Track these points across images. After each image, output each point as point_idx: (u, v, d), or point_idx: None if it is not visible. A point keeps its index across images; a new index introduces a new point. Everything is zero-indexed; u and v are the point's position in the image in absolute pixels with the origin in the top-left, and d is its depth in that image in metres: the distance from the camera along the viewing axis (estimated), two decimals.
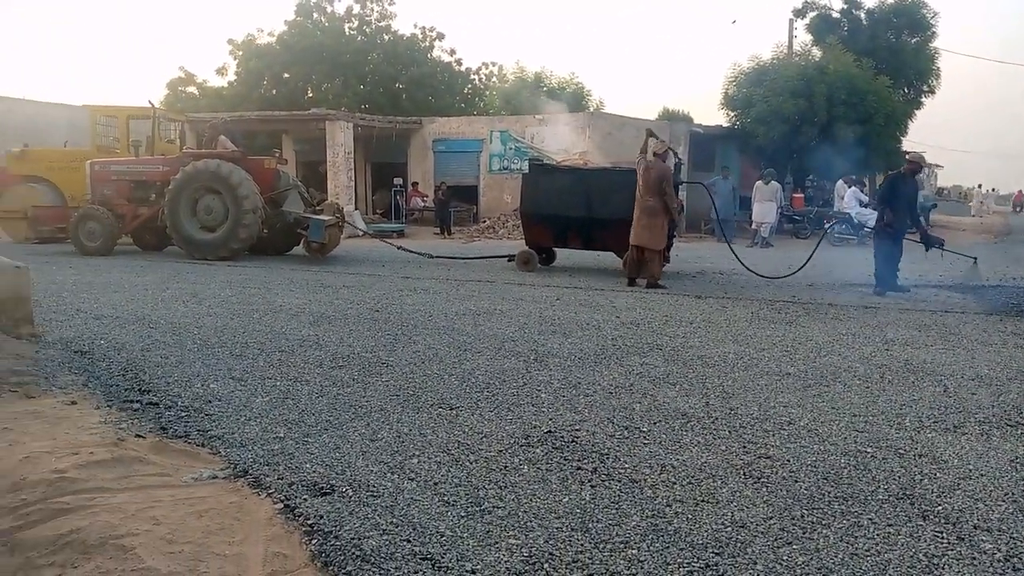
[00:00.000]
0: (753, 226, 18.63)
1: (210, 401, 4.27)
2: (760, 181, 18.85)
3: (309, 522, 2.77)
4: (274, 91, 29.60)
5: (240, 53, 30.23)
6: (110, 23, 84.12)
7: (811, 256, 10.81)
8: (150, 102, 15.97)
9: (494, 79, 34.69)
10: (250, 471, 3.23)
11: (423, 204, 23.64)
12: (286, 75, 29.72)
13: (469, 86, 33.88)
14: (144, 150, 14.57)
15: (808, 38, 26.27)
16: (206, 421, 3.92)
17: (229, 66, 30.79)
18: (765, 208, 18.39)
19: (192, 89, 31.06)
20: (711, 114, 77.11)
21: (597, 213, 10.95)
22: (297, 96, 29.34)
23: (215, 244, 12.33)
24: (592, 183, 11.44)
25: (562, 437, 3.81)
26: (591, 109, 29.77)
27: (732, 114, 23.22)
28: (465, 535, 2.74)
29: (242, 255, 12.52)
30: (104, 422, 3.84)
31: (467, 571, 2.49)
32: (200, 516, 2.75)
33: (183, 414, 4.03)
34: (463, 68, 33.26)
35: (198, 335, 6.06)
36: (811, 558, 2.65)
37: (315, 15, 30.43)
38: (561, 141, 21.37)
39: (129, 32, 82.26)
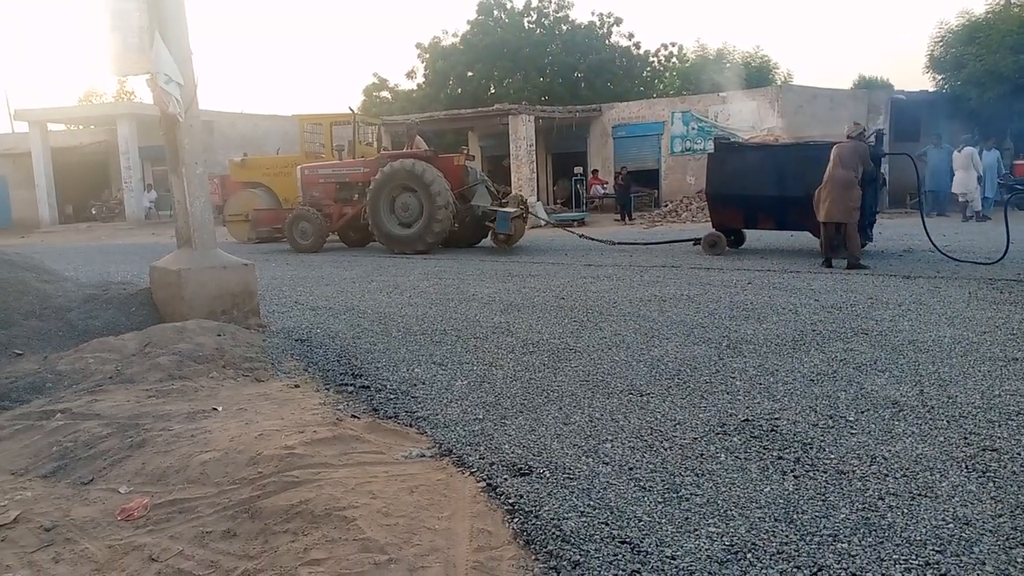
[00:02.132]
0: (960, 199, 16.81)
1: (415, 384, 4.56)
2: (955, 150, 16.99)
3: (510, 501, 2.88)
4: (459, 90, 30.73)
5: (427, 56, 31.69)
6: (311, 37, 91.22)
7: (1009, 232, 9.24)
8: (350, 108, 17.15)
9: (673, 60, 33.87)
10: (454, 450, 3.42)
11: (603, 191, 23.60)
12: (470, 73, 30.76)
13: (648, 69, 33.33)
14: (346, 154, 15.72)
15: None
16: (412, 403, 4.19)
17: (417, 69, 32.39)
18: (962, 178, 16.46)
19: (385, 93, 33.01)
20: (914, 79, 70.38)
21: (791, 191, 10.38)
22: (481, 93, 30.27)
23: (412, 239, 13.06)
24: (785, 159, 10.87)
25: (760, 426, 3.68)
26: (779, 83, 28.24)
27: (939, 77, 21.17)
28: (663, 521, 2.73)
29: (436, 248, 13.17)
30: (323, 403, 4.21)
31: (667, 556, 2.49)
32: (412, 492, 2.94)
33: (392, 396, 4.33)
34: (641, 51, 32.76)
35: (401, 323, 6.47)
36: None
37: (495, 12, 31.19)
38: (747, 118, 20.50)
39: (328, 44, 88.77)
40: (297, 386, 4.63)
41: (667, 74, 33.90)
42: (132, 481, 3.26)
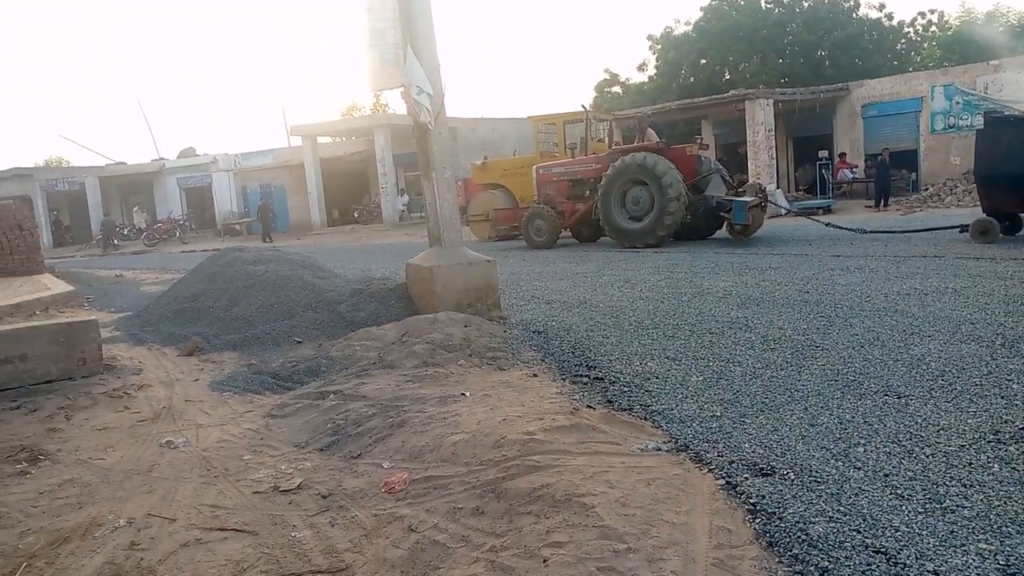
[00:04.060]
0: None
1: (649, 378, 4.56)
2: None
3: (751, 501, 2.80)
4: (692, 79, 30.09)
5: (658, 47, 31.34)
6: (545, 38, 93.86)
7: None
8: (583, 106, 17.45)
9: (932, 28, 30.50)
10: (691, 446, 3.38)
11: (852, 176, 21.86)
12: (703, 61, 30.00)
13: (903, 41, 30.34)
14: (579, 151, 16.03)
15: None
16: (647, 397, 4.20)
17: (649, 61, 32.17)
18: None
19: (616, 89, 33.15)
20: None
21: None
22: (715, 80, 29.40)
23: (643, 232, 13.03)
24: None
25: None
26: None
27: None
28: (924, 533, 2.51)
29: (667, 241, 13.01)
30: (560, 393, 4.36)
31: (928, 571, 2.28)
32: (648, 484, 2.96)
33: (626, 389, 4.37)
34: (894, 23, 29.86)
35: (633, 317, 6.49)
36: None
37: None
38: None
39: (562, 43, 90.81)
40: (536, 375, 4.83)
41: (925, 45, 30.64)
42: (393, 457, 3.60)
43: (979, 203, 10.87)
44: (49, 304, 9.85)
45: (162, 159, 39.44)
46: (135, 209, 37.05)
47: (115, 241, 32.80)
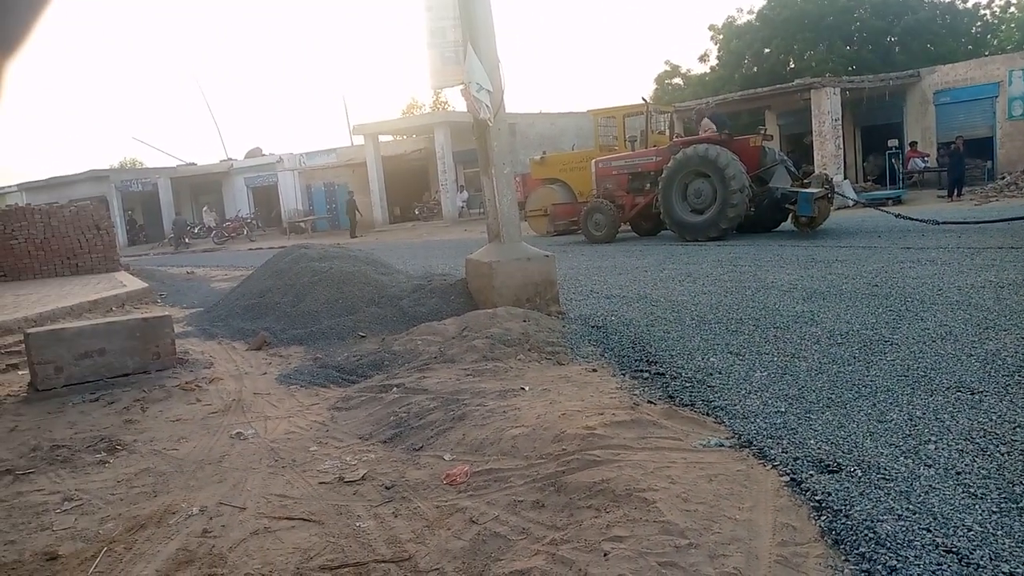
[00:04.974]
0: None
1: (711, 374, 4.51)
2: None
3: (817, 498, 2.75)
4: (755, 68, 29.49)
5: (720, 37, 30.79)
6: (605, 30, 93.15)
7: None
8: (643, 99, 17.28)
9: (1011, 10, 29.17)
10: (754, 442, 3.33)
11: (923, 165, 21.10)
12: (767, 50, 29.37)
13: (978, 24, 29.09)
14: (639, 144, 15.88)
15: None
16: (709, 392, 4.15)
17: (711, 52, 31.65)
18: None
19: (677, 80, 32.71)
20: None
21: None
22: (779, 69, 28.75)
23: (705, 225, 12.83)
24: None
25: None
26: None
27: None
28: (999, 533, 2.42)
29: (730, 234, 12.79)
30: (620, 388, 4.34)
31: (1003, 572, 2.21)
32: (711, 480, 2.93)
33: (687, 384, 4.33)
34: (969, 5, 28.67)
35: (695, 311, 6.41)
36: None
37: None
38: None
39: (622, 35, 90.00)
40: (595, 370, 4.82)
41: (1003, 28, 29.31)
42: (454, 450, 3.65)
43: None
44: (125, 301, 10.27)
45: (230, 159, 40.60)
46: (205, 208, 38.21)
47: (186, 239, 33.91)
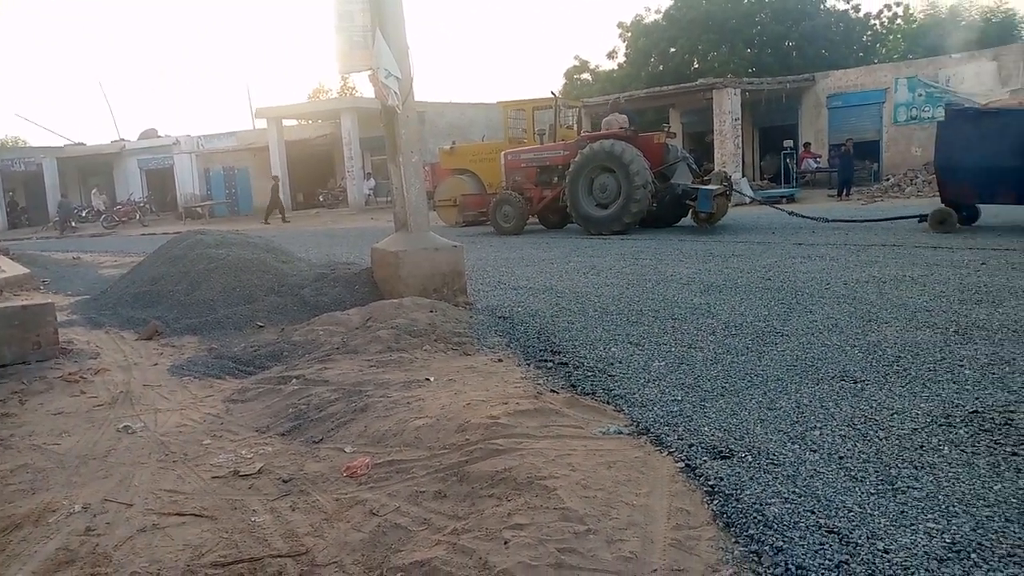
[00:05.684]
0: None
1: (612, 363, 4.59)
2: None
3: (710, 483, 2.84)
4: (661, 67, 30.23)
5: (628, 34, 31.39)
6: (516, 23, 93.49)
7: None
8: (552, 92, 17.43)
9: (898, 21, 31.00)
10: (651, 430, 3.41)
11: (816, 165, 22.18)
12: (672, 49, 30.14)
13: (868, 33, 30.78)
14: (547, 138, 16.02)
15: None
16: (609, 381, 4.23)
17: (619, 49, 32.22)
18: None
19: (586, 75, 33.16)
20: None
21: None
22: (683, 69, 29.57)
23: (609, 219, 13.08)
24: None
25: (991, 419, 3.33)
26: None
27: None
28: (876, 513, 2.57)
29: (634, 228, 13.08)
30: (525, 377, 4.37)
31: (879, 550, 2.34)
32: (609, 467, 2.99)
33: (589, 374, 4.40)
34: (861, 15, 30.28)
35: (598, 303, 6.53)
36: None
37: None
38: (986, 81, 18.37)
39: (533, 29, 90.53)
40: (500, 360, 4.83)
41: (890, 38, 31.14)
42: (355, 442, 3.59)
43: (938, 193, 11.10)
44: (3, 287, 9.62)
45: (123, 140, 38.56)
46: (94, 191, 36.25)
47: (73, 223, 32.08)
